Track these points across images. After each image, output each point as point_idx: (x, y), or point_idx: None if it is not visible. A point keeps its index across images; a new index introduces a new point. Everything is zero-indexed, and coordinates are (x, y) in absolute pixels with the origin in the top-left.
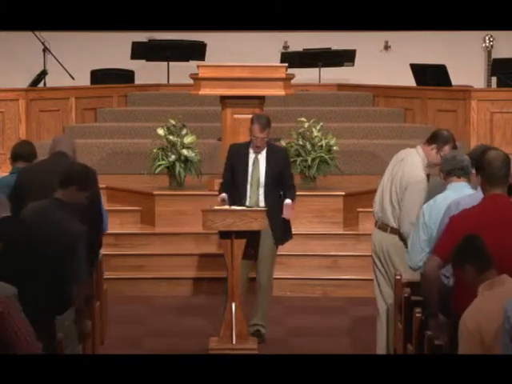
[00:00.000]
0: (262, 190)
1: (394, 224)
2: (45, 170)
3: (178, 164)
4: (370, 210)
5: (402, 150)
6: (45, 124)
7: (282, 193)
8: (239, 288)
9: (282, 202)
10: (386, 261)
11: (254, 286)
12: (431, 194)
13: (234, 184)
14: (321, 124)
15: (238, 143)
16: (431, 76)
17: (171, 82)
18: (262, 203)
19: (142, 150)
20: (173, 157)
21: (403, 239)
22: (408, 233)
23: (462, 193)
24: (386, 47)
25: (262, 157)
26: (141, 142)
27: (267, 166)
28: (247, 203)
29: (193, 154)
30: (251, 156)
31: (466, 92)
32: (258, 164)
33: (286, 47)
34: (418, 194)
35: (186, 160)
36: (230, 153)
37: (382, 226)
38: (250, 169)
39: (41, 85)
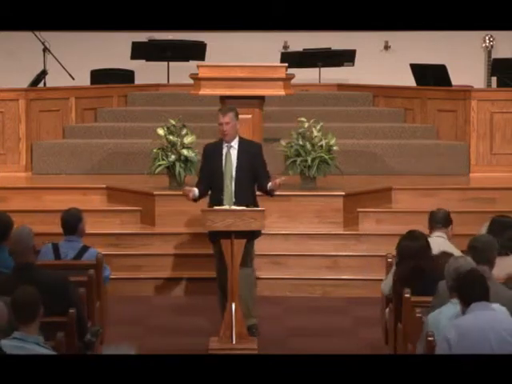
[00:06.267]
0: (233, 183)
1: None
2: None
3: (177, 164)
4: (370, 210)
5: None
6: (45, 124)
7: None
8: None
9: (264, 191)
10: None
11: None
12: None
13: (212, 180)
14: (321, 124)
15: (211, 142)
16: (431, 76)
17: (171, 82)
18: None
19: (141, 150)
20: (173, 157)
21: None
22: None
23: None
24: (386, 47)
25: (234, 150)
26: (141, 142)
27: (238, 160)
28: (223, 197)
29: (193, 154)
30: (224, 151)
31: (466, 92)
32: (230, 157)
33: (286, 47)
34: None
35: (186, 160)
36: (205, 151)
37: None
38: (223, 162)
39: (41, 85)
